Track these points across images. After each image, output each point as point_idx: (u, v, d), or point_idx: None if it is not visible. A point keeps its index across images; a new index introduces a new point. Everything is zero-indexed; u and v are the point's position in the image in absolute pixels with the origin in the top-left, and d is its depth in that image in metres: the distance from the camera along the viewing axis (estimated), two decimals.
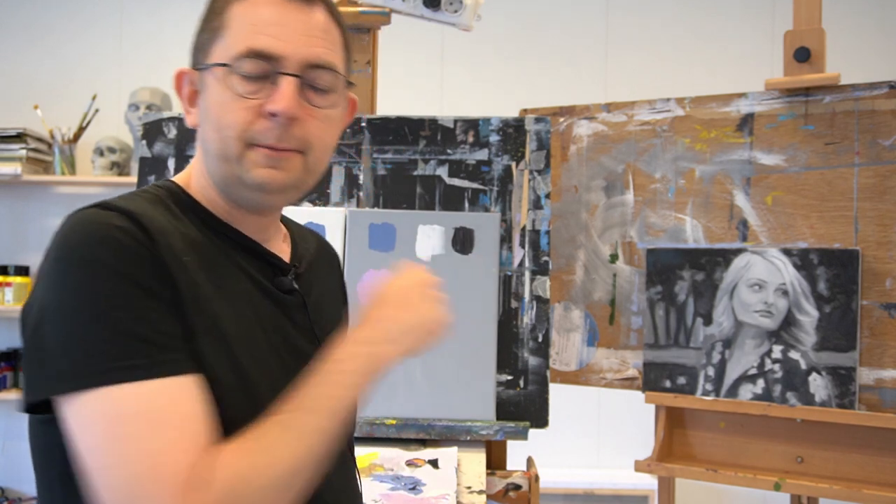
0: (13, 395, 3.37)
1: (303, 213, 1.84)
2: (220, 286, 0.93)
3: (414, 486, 1.61)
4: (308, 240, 1.16)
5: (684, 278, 2.07)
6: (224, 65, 0.93)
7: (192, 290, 0.87)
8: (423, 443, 1.77)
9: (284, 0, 0.94)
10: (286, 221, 1.14)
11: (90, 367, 0.79)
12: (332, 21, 0.98)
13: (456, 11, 1.95)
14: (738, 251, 2.02)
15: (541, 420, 1.81)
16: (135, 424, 0.78)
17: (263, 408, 0.87)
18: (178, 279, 0.86)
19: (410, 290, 0.99)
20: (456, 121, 1.93)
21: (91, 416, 0.78)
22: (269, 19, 0.93)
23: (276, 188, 0.94)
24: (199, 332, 0.86)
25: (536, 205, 1.90)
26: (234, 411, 0.85)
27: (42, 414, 0.85)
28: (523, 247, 1.88)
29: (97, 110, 3.50)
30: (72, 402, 0.79)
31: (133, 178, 3.30)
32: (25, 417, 0.90)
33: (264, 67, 0.92)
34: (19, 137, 3.38)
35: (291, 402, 0.86)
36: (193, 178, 1.01)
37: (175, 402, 0.80)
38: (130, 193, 0.96)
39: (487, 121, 1.92)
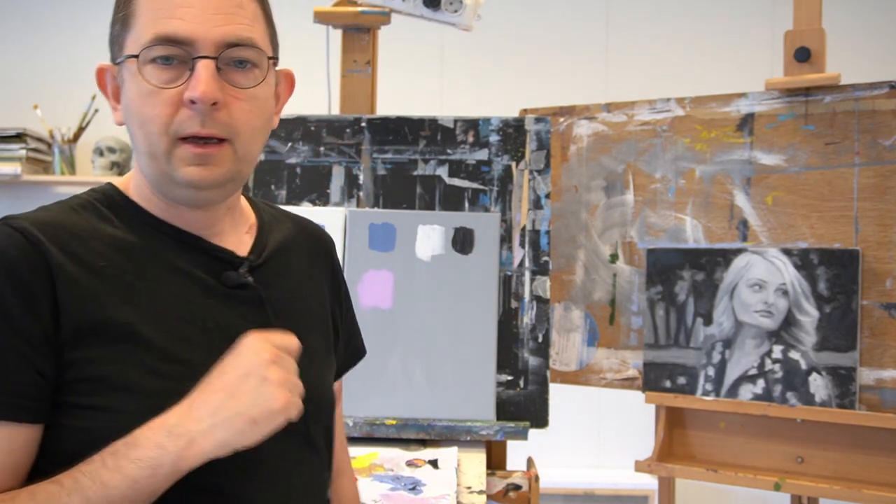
0: None
1: (302, 214, 1.83)
2: (148, 288, 0.90)
3: (414, 487, 1.61)
4: (282, 228, 1.09)
5: (684, 278, 2.07)
6: (134, 56, 0.89)
7: (96, 300, 0.86)
8: (423, 443, 1.77)
9: None
10: (259, 209, 1.08)
11: None
12: None
13: (456, 11, 1.95)
14: (738, 251, 2.02)
15: (541, 420, 1.81)
16: None
17: None
18: (74, 297, 0.85)
19: (248, 371, 0.83)
20: (456, 121, 1.93)
21: None
22: (177, 1, 0.88)
23: (207, 185, 0.91)
24: (105, 341, 0.85)
25: (536, 205, 1.90)
26: (157, 407, 0.84)
27: None
28: (523, 247, 1.88)
29: (97, 110, 3.50)
30: None
31: None
32: None
33: (177, 53, 0.88)
34: (19, 137, 3.38)
35: (66, 474, 0.80)
36: (133, 177, 0.98)
37: None
38: (57, 202, 0.95)
39: (487, 121, 1.92)
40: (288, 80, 1.03)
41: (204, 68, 0.87)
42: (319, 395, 1.02)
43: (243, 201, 1.06)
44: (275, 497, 0.93)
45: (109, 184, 0.99)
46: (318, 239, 1.15)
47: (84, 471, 0.80)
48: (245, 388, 0.82)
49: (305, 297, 1.07)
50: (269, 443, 0.84)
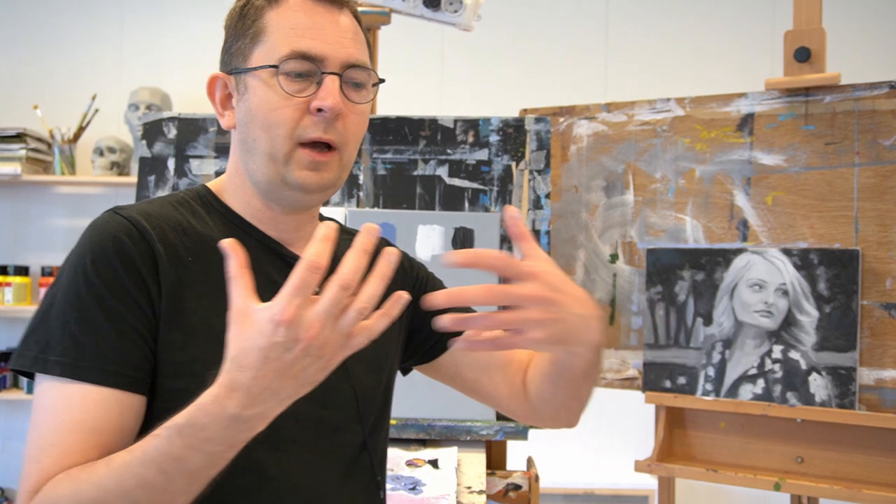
0: (13, 395, 3.37)
1: None
2: (225, 285, 0.95)
3: (414, 486, 1.61)
4: (347, 242, 1.15)
5: (684, 278, 2.07)
6: (273, 66, 0.99)
7: (181, 291, 0.95)
8: (423, 443, 1.77)
9: (316, 5, 1.01)
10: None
11: (30, 352, 0.91)
12: (357, 24, 1.05)
13: (456, 11, 1.95)
14: (738, 251, 2.02)
15: None
16: (44, 415, 0.89)
17: None
18: (167, 285, 0.94)
19: (298, 353, 0.79)
20: (456, 121, 1.93)
21: (35, 395, 0.92)
22: (306, 24, 1.00)
23: (315, 188, 1.01)
24: (184, 330, 0.94)
25: (536, 205, 1.90)
26: None
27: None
28: None
29: (97, 110, 3.50)
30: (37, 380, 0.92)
31: (133, 178, 3.29)
32: (25, 417, 0.98)
33: (309, 67, 0.99)
34: (19, 137, 3.38)
35: (136, 446, 0.83)
36: (227, 181, 1.08)
37: (77, 409, 0.89)
38: (158, 197, 1.05)
39: (487, 121, 1.92)
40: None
41: (332, 82, 0.99)
42: (370, 394, 1.09)
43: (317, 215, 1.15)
44: (313, 478, 0.99)
45: (203, 185, 1.09)
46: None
47: (153, 445, 0.82)
48: (297, 370, 0.79)
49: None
50: (323, 437, 0.90)
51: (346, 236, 1.20)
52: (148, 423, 0.93)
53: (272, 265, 1.03)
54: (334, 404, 1.03)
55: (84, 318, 0.91)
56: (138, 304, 0.92)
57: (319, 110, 0.98)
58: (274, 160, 1.00)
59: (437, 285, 1.25)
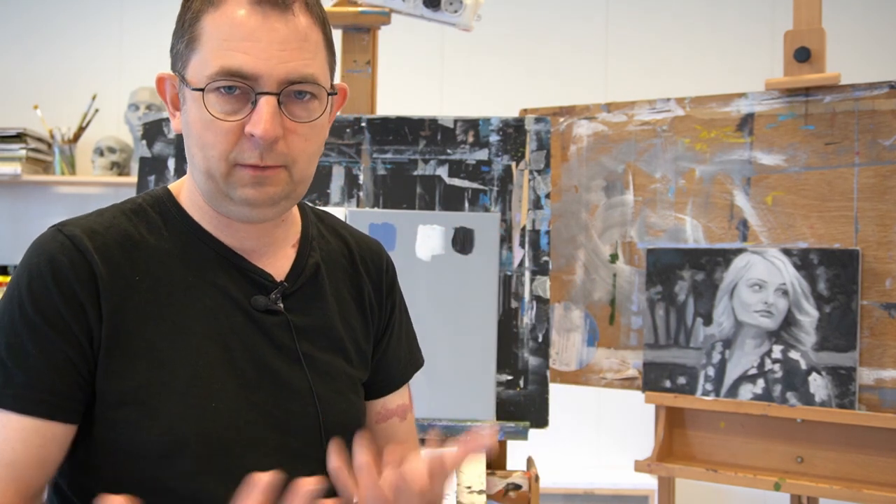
0: None
1: None
2: (178, 302, 0.93)
3: None
4: (326, 244, 1.09)
5: (684, 278, 2.07)
6: (199, 90, 0.90)
7: (125, 314, 0.89)
8: (423, 442, 1.77)
9: (257, 7, 0.89)
10: (307, 221, 1.08)
11: None
12: (311, 20, 0.93)
13: (456, 11, 1.95)
14: (738, 251, 2.02)
15: (541, 420, 1.81)
16: None
17: (213, 424, 0.89)
18: (109, 309, 0.89)
19: None
20: (456, 121, 1.93)
21: None
22: (242, 33, 0.88)
23: (262, 203, 0.93)
24: (127, 356, 0.88)
25: (536, 205, 1.90)
26: (167, 425, 0.88)
27: None
28: (523, 247, 1.88)
29: (97, 110, 3.50)
30: None
31: (133, 178, 3.29)
32: None
33: (240, 85, 0.89)
34: (19, 137, 3.38)
35: None
36: (186, 184, 1.00)
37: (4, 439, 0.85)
38: (113, 205, 0.98)
39: (487, 121, 1.93)
40: (341, 94, 1.04)
41: (266, 105, 0.88)
42: (338, 417, 1.02)
43: (294, 212, 1.06)
44: None
45: (165, 188, 1.01)
46: (364, 258, 1.13)
47: None
48: None
49: (337, 318, 1.05)
50: (281, 464, 0.84)
51: (328, 228, 1.11)
52: (88, 452, 0.89)
53: (230, 279, 0.96)
54: (297, 429, 0.96)
55: (14, 343, 0.87)
56: (73, 331, 0.87)
57: (254, 135, 0.89)
58: (212, 178, 0.92)
59: (403, 318, 1.18)
